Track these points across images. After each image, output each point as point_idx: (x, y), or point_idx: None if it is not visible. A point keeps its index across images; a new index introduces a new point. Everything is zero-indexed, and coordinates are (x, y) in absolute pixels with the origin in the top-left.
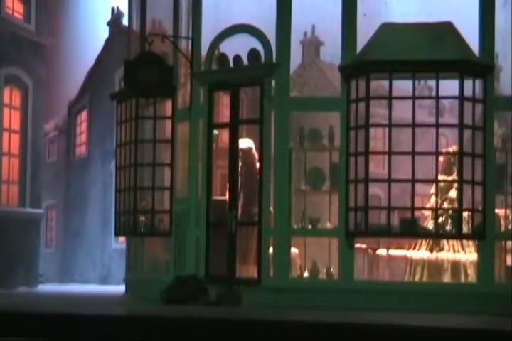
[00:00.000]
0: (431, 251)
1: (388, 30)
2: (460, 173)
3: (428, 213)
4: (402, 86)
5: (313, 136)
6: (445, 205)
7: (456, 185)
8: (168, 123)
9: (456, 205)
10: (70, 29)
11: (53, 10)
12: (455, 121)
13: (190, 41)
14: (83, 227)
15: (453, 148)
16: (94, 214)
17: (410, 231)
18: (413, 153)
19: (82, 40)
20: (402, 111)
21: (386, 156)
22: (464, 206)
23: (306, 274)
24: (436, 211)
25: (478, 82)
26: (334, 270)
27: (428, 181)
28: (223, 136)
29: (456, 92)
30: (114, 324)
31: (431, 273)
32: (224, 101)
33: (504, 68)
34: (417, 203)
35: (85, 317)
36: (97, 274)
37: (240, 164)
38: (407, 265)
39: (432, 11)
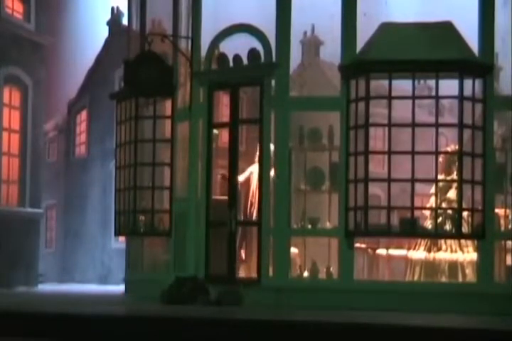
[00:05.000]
0: (429, 251)
1: (388, 30)
2: (460, 173)
3: (428, 213)
4: (402, 85)
5: (313, 135)
6: (445, 205)
7: (455, 184)
8: (168, 122)
9: (455, 205)
10: (69, 28)
11: (53, 9)
12: (455, 120)
13: (189, 41)
14: (83, 227)
15: (452, 147)
16: (94, 213)
17: (410, 230)
18: (413, 153)
19: (81, 39)
20: (401, 110)
21: (386, 156)
22: (464, 206)
23: (305, 274)
24: (436, 211)
25: (478, 82)
26: (334, 269)
27: (428, 181)
28: (223, 135)
29: (455, 92)
30: (114, 324)
31: (429, 273)
32: (224, 100)
33: (504, 68)
34: (417, 203)
35: (85, 316)
36: (97, 274)
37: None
38: (407, 265)
39: (432, 10)
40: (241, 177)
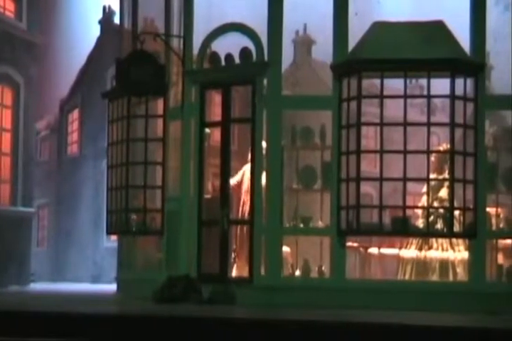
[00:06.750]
0: (420, 249)
1: (380, 29)
2: (451, 172)
3: (419, 212)
4: (394, 85)
5: (305, 134)
6: (436, 204)
7: (447, 183)
8: (160, 121)
9: (447, 204)
10: (61, 27)
11: (45, 8)
12: (446, 119)
13: (182, 40)
14: (75, 226)
15: (444, 146)
16: (86, 212)
17: (402, 229)
18: (405, 152)
19: (73, 38)
20: (393, 109)
21: (378, 155)
22: (456, 205)
23: (297, 273)
24: (427, 210)
25: (470, 81)
26: (326, 268)
27: (419, 180)
28: (215, 134)
29: (447, 91)
30: (106, 323)
31: (420, 272)
32: (216, 99)
33: (495, 67)
34: (409, 202)
35: (77, 315)
36: (89, 273)
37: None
38: (398, 263)
39: (424, 9)
40: (232, 181)
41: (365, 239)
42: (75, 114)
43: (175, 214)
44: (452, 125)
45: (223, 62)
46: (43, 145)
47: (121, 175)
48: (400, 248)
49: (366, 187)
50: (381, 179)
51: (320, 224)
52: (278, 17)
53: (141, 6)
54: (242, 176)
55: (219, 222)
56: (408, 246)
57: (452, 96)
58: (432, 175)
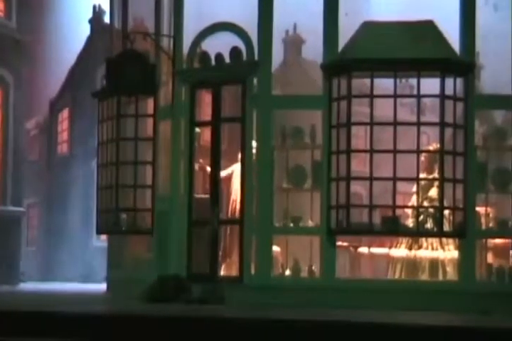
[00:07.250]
0: (410, 249)
1: (370, 29)
2: (441, 171)
3: (409, 211)
4: (384, 84)
5: (295, 134)
6: (426, 203)
7: (437, 183)
8: (150, 121)
9: (437, 203)
10: (51, 26)
11: (35, 8)
12: (436, 119)
13: (172, 39)
14: (65, 225)
15: (434, 146)
16: (76, 212)
17: (392, 229)
18: (395, 152)
19: (63, 37)
20: (383, 109)
21: (368, 154)
22: (445, 204)
23: (287, 272)
24: (417, 209)
25: (460, 81)
26: (316, 268)
27: (409, 179)
28: (205, 134)
29: (437, 90)
30: (96, 322)
31: (410, 271)
32: (206, 99)
33: (485, 67)
34: (399, 201)
35: (66, 315)
36: (79, 272)
37: None
38: (388, 263)
39: (414, 9)
40: (223, 173)
41: (355, 239)
42: (65, 113)
43: (165, 213)
44: (442, 125)
45: (213, 62)
46: (33, 144)
47: (112, 174)
48: (390, 247)
49: (356, 187)
50: (371, 178)
51: (310, 223)
52: (268, 16)
53: (131, 5)
54: (232, 172)
55: (209, 221)
56: (398, 246)
57: (442, 96)
58: (422, 175)
